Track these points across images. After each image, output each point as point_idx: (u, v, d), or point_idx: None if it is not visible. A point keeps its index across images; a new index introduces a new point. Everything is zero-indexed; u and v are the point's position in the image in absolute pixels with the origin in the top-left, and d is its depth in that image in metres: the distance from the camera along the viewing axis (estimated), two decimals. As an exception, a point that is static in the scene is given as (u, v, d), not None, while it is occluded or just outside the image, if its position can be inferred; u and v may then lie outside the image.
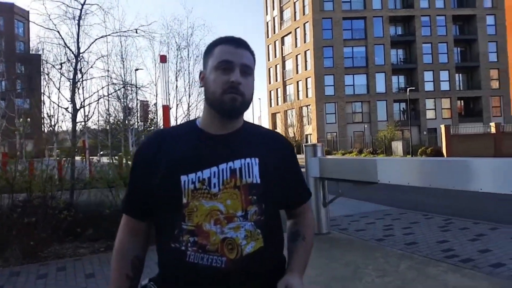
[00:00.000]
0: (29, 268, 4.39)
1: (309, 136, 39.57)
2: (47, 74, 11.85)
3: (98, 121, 21.03)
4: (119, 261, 1.18)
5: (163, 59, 14.51)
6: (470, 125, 32.57)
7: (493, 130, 28.28)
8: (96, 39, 7.62)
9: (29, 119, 22.95)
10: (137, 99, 21.27)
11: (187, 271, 1.06)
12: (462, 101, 41.33)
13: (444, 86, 39.85)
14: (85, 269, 4.33)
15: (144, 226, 1.20)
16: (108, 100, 19.42)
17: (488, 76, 39.82)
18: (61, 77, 10.28)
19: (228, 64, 1.11)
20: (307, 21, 39.86)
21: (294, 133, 39.37)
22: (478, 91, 39.93)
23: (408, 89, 35.78)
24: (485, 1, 40.13)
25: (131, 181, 1.20)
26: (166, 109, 12.10)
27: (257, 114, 63.52)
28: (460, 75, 40.96)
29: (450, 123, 33.56)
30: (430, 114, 39.68)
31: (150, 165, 1.13)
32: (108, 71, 14.91)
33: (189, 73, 19.37)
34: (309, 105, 40.03)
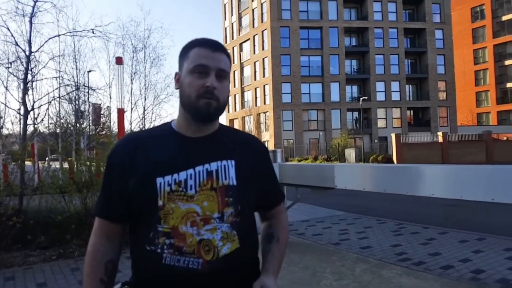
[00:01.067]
0: (-28, 279, 4.10)
1: (266, 142, 39.91)
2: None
3: (48, 124, 20.05)
4: (92, 265, 1.14)
5: (119, 61, 14.11)
6: (419, 134, 34.23)
7: (440, 139, 29.92)
8: (49, 38, 7.29)
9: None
10: (89, 102, 20.51)
11: (163, 274, 1.05)
12: (411, 111, 43.40)
13: (395, 96, 41.69)
14: (36, 278, 4.10)
15: (119, 229, 1.17)
16: (60, 102, 18.58)
17: (436, 87, 42.12)
18: (8, 76, 9.72)
19: (204, 68, 1.10)
20: (265, 29, 40.37)
21: (252, 139, 39.48)
22: (427, 101, 42.14)
23: (361, 98, 37.18)
24: (434, 16, 42.47)
25: (106, 184, 1.17)
26: (121, 112, 11.76)
27: (215, 119, 63.01)
28: (410, 86, 43.03)
29: (400, 132, 35.12)
30: (381, 123, 41.32)
31: (125, 167, 1.11)
32: (60, 71, 14.28)
33: (145, 75, 18.96)
34: (266, 112, 40.44)
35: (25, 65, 6.38)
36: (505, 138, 38.55)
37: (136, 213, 1.11)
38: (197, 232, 1.06)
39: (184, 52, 1.15)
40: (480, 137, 30.64)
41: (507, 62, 49.34)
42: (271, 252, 1.24)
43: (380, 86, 41.25)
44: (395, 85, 41.62)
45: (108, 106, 21.37)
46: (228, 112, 48.41)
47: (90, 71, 19.87)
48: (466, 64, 52.45)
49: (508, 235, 5.81)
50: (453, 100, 42.80)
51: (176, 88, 1.17)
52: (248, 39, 43.79)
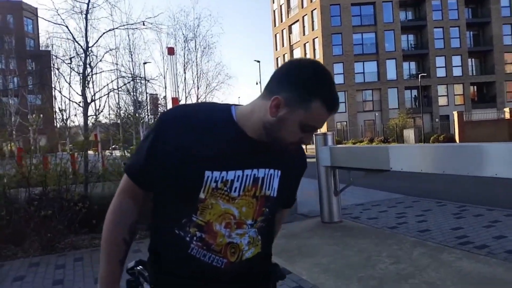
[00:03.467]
0: (47, 258, 4.50)
1: (319, 126, 39.35)
2: (58, 69, 11.94)
3: (109, 115, 21.22)
4: (117, 223, 1.12)
5: (171, 51, 14.51)
6: (483, 111, 32.00)
7: (507, 115, 27.77)
8: (104, 33, 7.64)
9: (41, 114, 23.24)
10: (146, 93, 21.36)
11: (188, 262, 1.07)
12: (475, 87, 40.60)
13: (457, 71, 39.15)
14: (101, 259, 4.41)
15: (146, 194, 1.14)
16: (118, 94, 19.55)
17: (502, 60, 38.96)
18: (71, 71, 10.36)
19: (313, 129, 1.05)
20: (315, 8, 39.38)
21: (303, 123, 39.23)
22: (492, 76, 39.15)
23: (419, 75, 35.24)
24: (499, -18, 39.12)
25: (148, 149, 1.06)
26: (176, 101, 12.16)
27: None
28: (473, 59, 40.15)
29: (463, 110, 33.05)
30: (442, 101, 39.09)
31: (175, 145, 1.02)
32: (117, 64, 14.98)
33: (196, 64, 19.36)
34: (318, 94, 39.75)
35: (83, 60, 6.75)
36: None
37: (172, 194, 1.07)
38: (228, 234, 1.06)
39: (305, 93, 0.98)
40: (553, 112, 28.00)
41: None
42: None
43: (440, 61, 38.88)
44: (456, 60, 39.03)
45: (164, 96, 22.16)
46: (280, 96, 48.21)
47: (145, 62, 20.65)
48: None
49: None
50: (522, 72, 39.38)
51: (272, 116, 1.00)
52: (297, 20, 43.03)
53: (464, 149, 3.87)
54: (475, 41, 40.40)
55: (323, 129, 36.58)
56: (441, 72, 38.98)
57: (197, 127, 1.04)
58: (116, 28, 8.18)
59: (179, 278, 1.07)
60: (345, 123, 38.27)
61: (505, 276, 3.36)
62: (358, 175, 5.37)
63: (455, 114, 27.95)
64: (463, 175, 3.80)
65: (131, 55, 18.12)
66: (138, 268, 1.17)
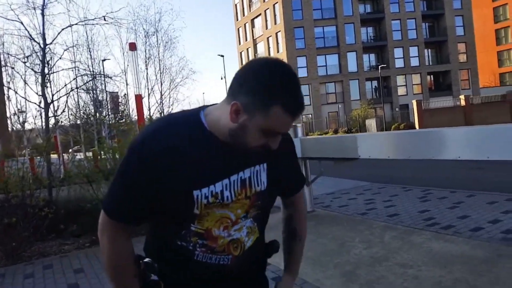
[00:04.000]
0: (14, 269, 4.31)
1: (285, 118, 39.69)
2: (12, 68, 11.32)
3: (68, 115, 20.41)
4: (119, 267, 1.08)
5: (133, 46, 14.11)
6: (440, 99, 33.36)
7: (462, 102, 29.13)
8: (62, 29, 7.29)
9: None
10: (105, 91, 20.70)
11: (195, 267, 1.10)
12: (432, 76, 42.23)
13: (414, 62, 40.55)
14: (72, 265, 4.26)
15: (134, 227, 1.11)
16: (78, 93, 18.84)
17: (456, 50, 40.74)
18: (26, 70, 9.86)
19: (276, 134, 1.00)
20: (276, 2, 39.53)
21: (270, 117, 39.49)
22: (447, 65, 40.86)
23: (379, 66, 36.25)
24: (450, -25, 40.77)
25: (127, 185, 1.02)
26: (139, 98, 11.83)
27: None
28: (429, 50, 41.73)
29: (421, 98, 34.31)
30: (401, 91, 40.41)
31: (157, 175, 0.98)
32: (75, 62, 14.40)
33: (159, 60, 18.95)
34: (283, 88, 40.03)
35: (41, 58, 6.45)
36: (531, 97, 37.14)
37: (167, 218, 1.07)
38: (227, 234, 1.08)
39: (264, 98, 0.93)
40: (504, 98, 29.62)
41: (529, 18, 47.20)
42: (294, 252, 1.31)
43: (398, 52, 40.15)
44: (413, 51, 40.43)
45: (125, 94, 21.53)
46: (244, 91, 48.18)
47: (104, 59, 19.99)
48: (486, 23, 50.37)
49: (540, 194, 5.67)
50: (474, 61, 41.34)
51: (234, 122, 0.96)
52: (260, 14, 43.07)
53: (428, 135, 4.03)
54: (430, 32, 41.98)
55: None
56: (399, 63, 40.25)
57: (173, 150, 0.98)
58: (76, 23, 7.85)
59: (188, 280, 1.11)
60: (310, 115, 38.81)
61: (472, 253, 3.54)
62: (328, 165, 5.47)
63: (414, 103, 28.99)
64: (427, 159, 3.95)
65: (90, 52, 17.47)
66: (145, 260, 1.11)
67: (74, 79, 11.54)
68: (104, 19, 6.96)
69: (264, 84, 0.93)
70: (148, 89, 18.58)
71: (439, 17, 41.28)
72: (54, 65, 7.36)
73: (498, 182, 7.22)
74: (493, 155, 3.34)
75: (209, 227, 1.06)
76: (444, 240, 3.97)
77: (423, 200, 6.06)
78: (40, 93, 6.50)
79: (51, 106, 7.05)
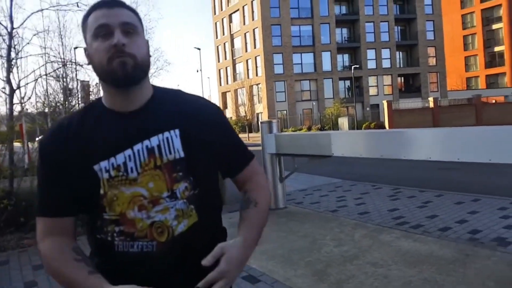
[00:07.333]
0: (-33, 263, 4.04)
1: (260, 114, 39.70)
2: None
3: (36, 103, 19.63)
4: (55, 258, 0.98)
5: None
6: (410, 100, 34.16)
7: (431, 104, 29.92)
8: (32, 13, 6.93)
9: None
10: (76, 79, 20.02)
11: (118, 260, 0.99)
12: (402, 78, 43.25)
13: (386, 63, 41.41)
14: (31, 260, 4.05)
15: (70, 221, 1.03)
16: (46, 80, 18.14)
17: (426, 53, 41.86)
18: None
19: (105, 28, 0.97)
20: (254, -2, 39.42)
21: (245, 112, 39.39)
22: (417, 68, 41.95)
23: (352, 67, 36.75)
24: (423, -19, 41.80)
25: (43, 180, 1.03)
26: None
27: (207, 93, 62.42)
28: (401, 53, 42.70)
29: (391, 99, 35.03)
30: (372, 91, 41.19)
31: (60, 161, 0.99)
32: (45, 48, 13.80)
33: (133, 50, 18.48)
34: (259, 83, 40.00)
35: (7, 42, 6.10)
36: (493, 101, 38.71)
37: (80, 203, 1.01)
38: (146, 215, 0.97)
39: (83, 23, 1.02)
40: (470, 101, 30.68)
41: (494, 26, 49.21)
42: (247, 217, 1.09)
43: (371, 54, 40.87)
44: (385, 53, 41.27)
45: (97, 83, 20.91)
46: (220, 85, 47.91)
47: (76, 47, 19.30)
48: (455, 29, 52.11)
49: (502, 195, 5.85)
50: (443, 65, 42.66)
51: (88, 64, 1.02)
52: (238, 9, 42.79)
53: (401, 135, 4.05)
54: (402, 35, 42.95)
55: (264, 117, 37.03)
56: (371, 64, 41.00)
57: (70, 133, 1.01)
58: (47, 8, 7.46)
59: (118, 276, 0.96)
60: (285, 111, 39.01)
61: (440, 253, 3.59)
62: (302, 162, 5.45)
63: (385, 103, 29.57)
64: (398, 159, 3.99)
65: (62, 39, 16.80)
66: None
67: (43, 65, 11.05)
68: (78, 6, 6.64)
69: (82, 18, 1.04)
70: (120, 78, 18.10)
71: (411, 21, 42.29)
72: (21, 50, 6.97)
73: (465, 182, 7.43)
74: (463, 157, 3.40)
75: (122, 211, 0.97)
76: (413, 239, 4.02)
77: (393, 199, 6.14)
78: (5, 78, 6.13)
79: (17, 92, 6.69)
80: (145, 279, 0.94)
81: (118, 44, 0.95)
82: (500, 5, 48.23)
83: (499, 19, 48.56)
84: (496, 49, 49.53)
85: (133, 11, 1.03)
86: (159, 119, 1.02)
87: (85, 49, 1.03)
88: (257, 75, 40.19)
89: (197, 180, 1.03)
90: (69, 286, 0.96)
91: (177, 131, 1.02)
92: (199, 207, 1.03)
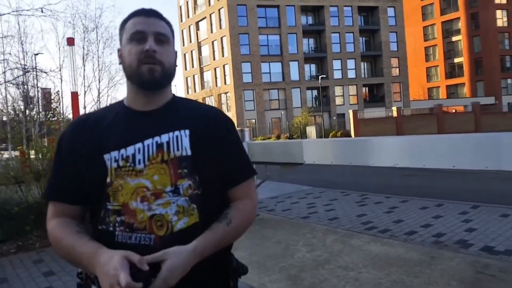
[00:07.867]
0: None
1: (228, 123, 39.68)
2: None
3: (-5, 111, 18.82)
4: (60, 233, 1.03)
5: (71, 41, 13.34)
6: (374, 109, 35.30)
7: (394, 114, 31.03)
8: (-9, 18, 6.70)
9: None
10: (37, 87, 19.37)
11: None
12: (367, 88, 44.56)
13: (351, 73, 42.56)
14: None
15: (78, 210, 1.09)
16: (6, 88, 17.44)
17: (389, 64, 43.39)
18: None
19: (141, 34, 1.07)
20: (222, 7, 39.56)
21: (213, 121, 39.29)
22: (381, 78, 43.37)
23: (319, 77, 37.57)
24: (386, -6, 43.45)
25: (57, 166, 1.13)
26: (75, 96, 11.20)
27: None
28: (365, 63, 44.04)
29: (357, 108, 36.04)
30: (339, 100, 42.19)
31: (75, 150, 1.08)
32: (4, 54, 13.31)
33: (98, 57, 18.13)
34: (227, 92, 40.07)
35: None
36: (454, 111, 40.62)
37: (88, 193, 1.07)
38: (148, 207, 1.01)
39: (122, 27, 1.13)
40: (431, 111, 32.13)
41: (454, 38, 51.77)
42: (213, 230, 1.04)
43: (336, 64, 41.90)
44: (351, 63, 42.42)
45: (58, 91, 20.25)
46: (188, 93, 47.55)
47: (37, 54, 18.70)
48: (417, 40, 54.37)
49: (463, 199, 6.15)
50: (406, 76, 44.34)
51: (120, 63, 1.13)
52: (205, 17, 42.80)
53: (369, 143, 4.20)
54: (367, 46, 44.37)
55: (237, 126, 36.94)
56: (337, 74, 42.03)
57: (89, 125, 1.11)
58: (9, 13, 7.25)
59: None
60: (254, 120, 39.20)
61: (407, 256, 3.74)
62: (274, 170, 5.52)
63: (350, 112, 30.40)
64: (368, 166, 4.13)
65: (22, 45, 16.23)
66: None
67: (3, 72, 10.64)
68: (42, 11, 6.48)
69: (121, 22, 1.14)
70: (84, 86, 17.66)
71: (375, 33, 43.77)
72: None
73: (429, 188, 7.75)
74: (428, 163, 3.57)
75: (125, 201, 1.01)
76: (381, 243, 4.17)
77: (361, 205, 6.33)
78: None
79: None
80: None
81: (149, 49, 1.05)
82: (458, 18, 50.84)
83: (458, 32, 51.17)
84: (456, 60, 52.07)
85: (168, 23, 1.13)
86: (172, 120, 1.09)
87: (119, 50, 1.13)
88: (225, 83, 40.25)
89: (202, 181, 1.06)
90: (69, 254, 1.00)
91: (187, 131, 1.08)
92: (201, 208, 1.06)
